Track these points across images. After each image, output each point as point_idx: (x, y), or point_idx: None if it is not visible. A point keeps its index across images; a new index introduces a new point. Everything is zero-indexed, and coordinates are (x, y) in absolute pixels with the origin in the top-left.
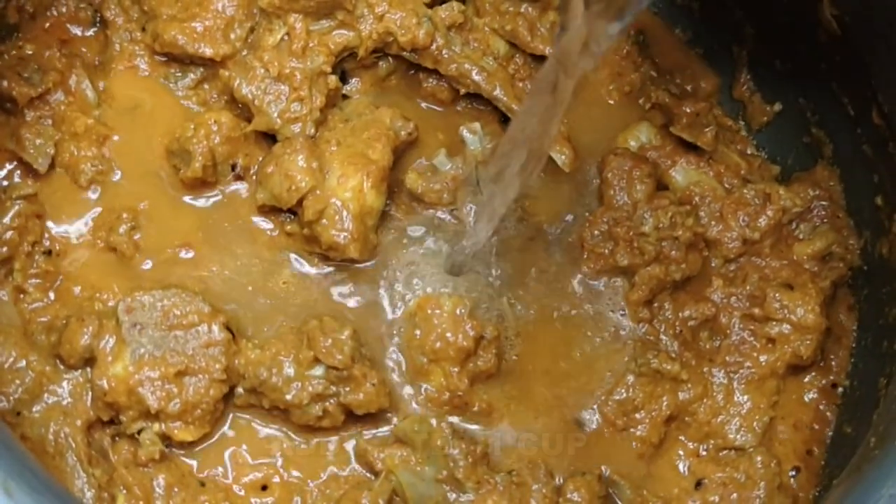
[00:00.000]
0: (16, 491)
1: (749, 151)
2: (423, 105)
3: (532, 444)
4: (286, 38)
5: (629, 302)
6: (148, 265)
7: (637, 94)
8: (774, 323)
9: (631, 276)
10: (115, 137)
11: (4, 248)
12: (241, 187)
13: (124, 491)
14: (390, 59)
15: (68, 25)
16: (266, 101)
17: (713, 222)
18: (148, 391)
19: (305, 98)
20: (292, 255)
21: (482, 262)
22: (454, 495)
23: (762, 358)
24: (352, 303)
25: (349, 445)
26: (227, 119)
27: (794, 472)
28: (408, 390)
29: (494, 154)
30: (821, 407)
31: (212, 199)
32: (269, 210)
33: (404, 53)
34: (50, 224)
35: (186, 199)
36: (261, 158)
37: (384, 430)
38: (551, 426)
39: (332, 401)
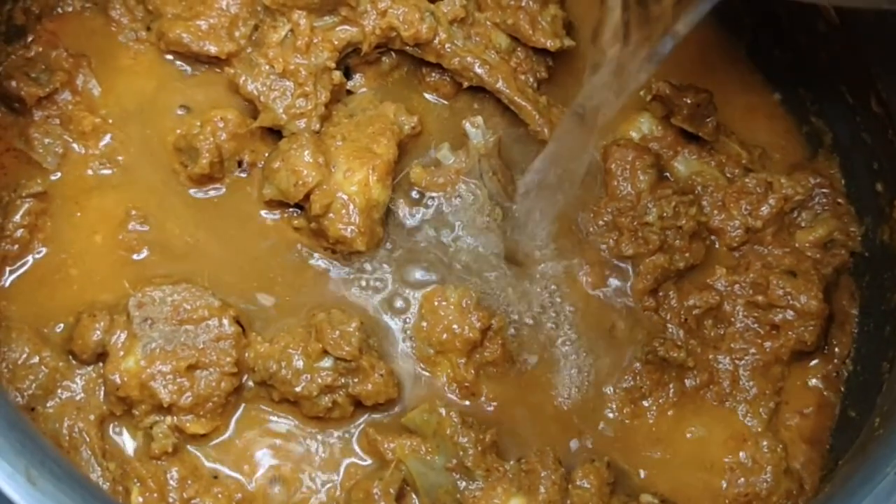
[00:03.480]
0: (38, 479)
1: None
2: (427, 99)
3: (540, 432)
4: (290, 34)
5: (634, 291)
6: (157, 260)
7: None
8: (778, 310)
9: (636, 265)
10: (123, 136)
11: (16, 246)
12: (248, 183)
13: (138, 483)
14: (393, 54)
15: (74, 25)
16: (271, 98)
17: (716, 211)
18: (160, 385)
19: (310, 94)
20: (300, 249)
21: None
22: (464, 483)
23: (766, 344)
24: (359, 295)
25: (359, 436)
26: (233, 116)
27: (799, 457)
28: (416, 380)
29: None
30: (825, 392)
31: (219, 195)
32: (276, 205)
33: (407, 48)
34: (60, 222)
35: (194, 194)
36: (267, 154)
37: (393, 420)
38: (559, 414)
39: (341, 392)
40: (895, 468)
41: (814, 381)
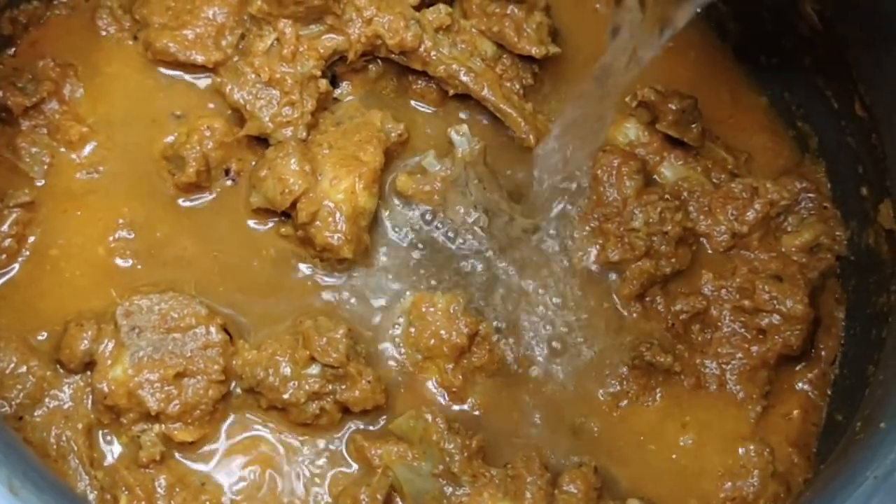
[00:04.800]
0: (20, 489)
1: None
2: (413, 107)
3: (527, 437)
4: (276, 43)
5: (621, 296)
6: (145, 269)
7: (623, 91)
8: (764, 314)
9: (622, 271)
10: (110, 144)
11: (3, 256)
12: (235, 191)
13: (126, 492)
14: (379, 62)
15: (61, 35)
16: (258, 106)
17: (702, 217)
18: (147, 393)
19: (296, 102)
20: (287, 257)
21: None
22: (450, 489)
23: (753, 349)
24: (346, 302)
25: (346, 442)
26: (220, 124)
27: (786, 461)
28: (404, 387)
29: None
30: (812, 396)
31: (206, 203)
32: (263, 213)
33: (393, 56)
34: (47, 231)
35: (181, 203)
36: (254, 163)
37: (381, 426)
38: (546, 419)
39: (328, 399)
40: (875, 472)
41: (800, 385)
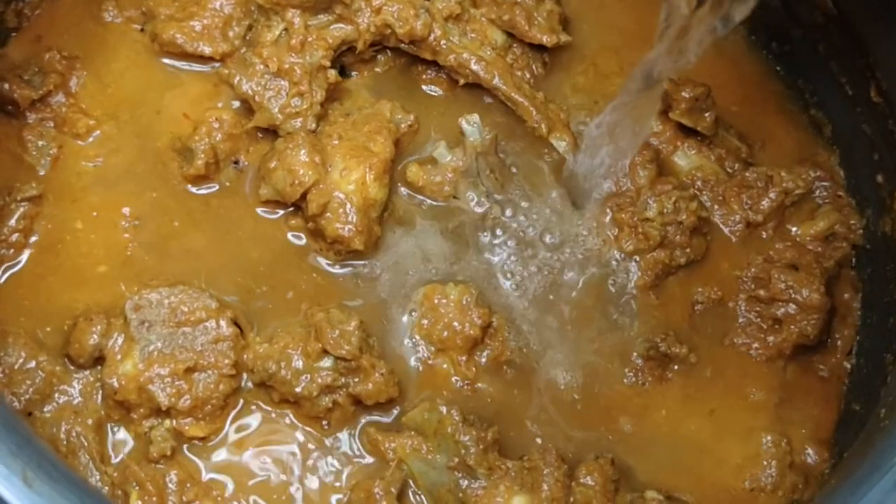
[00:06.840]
0: (34, 481)
1: None
2: (423, 97)
3: (543, 429)
4: (284, 33)
5: (636, 286)
6: (153, 262)
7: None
8: (780, 304)
9: (636, 261)
10: (118, 137)
11: (11, 250)
12: (245, 182)
13: (137, 487)
14: (389, 51)
15: (67, 27)
16: (266, 97)
17: (716, 206)
18: (158, 388)
19: (305, 93)
20: (297, 249)
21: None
22: (466, 482)
23: (769, 339)
24: (358, 294)
25: (360, 435)
26: (229, 116)
27: (804, 451)
28: (417, 379)
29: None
30: (829, 385)
31: (216, 195)
32: (273, 204)
33: (402, 45)
34: (55, 224)
35: (190, 195)
36: (263, 154)
37: (394, 418)
38: (562, 410)
39: (341, 392)
40: None
41: (817, 375)
